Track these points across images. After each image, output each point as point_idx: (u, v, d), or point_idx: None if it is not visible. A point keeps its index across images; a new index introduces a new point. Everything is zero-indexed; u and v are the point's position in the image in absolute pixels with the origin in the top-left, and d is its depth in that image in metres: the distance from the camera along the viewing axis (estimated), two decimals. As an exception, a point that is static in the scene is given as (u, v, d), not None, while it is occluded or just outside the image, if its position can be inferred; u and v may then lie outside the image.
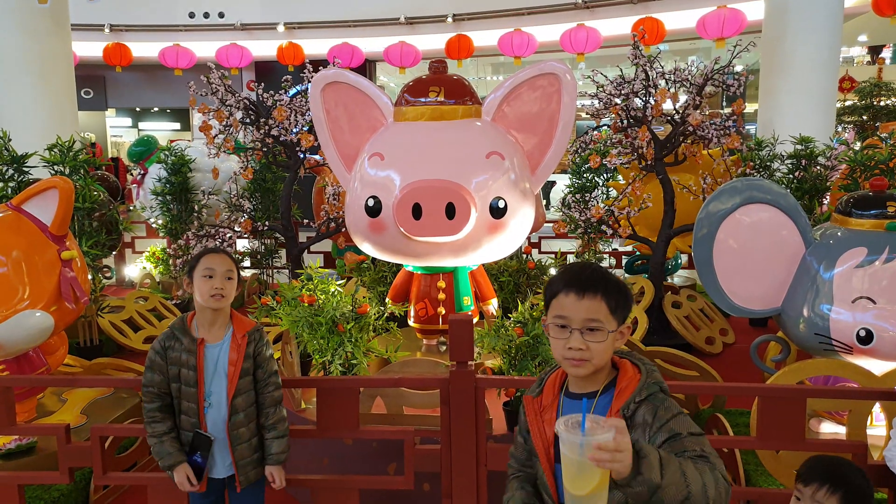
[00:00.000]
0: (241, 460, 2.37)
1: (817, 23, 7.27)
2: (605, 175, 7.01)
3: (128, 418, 3.73)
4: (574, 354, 1.52)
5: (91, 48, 12.94)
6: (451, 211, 3.18)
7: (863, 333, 3.15)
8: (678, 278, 7.44)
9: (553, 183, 12.71)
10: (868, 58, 19.00)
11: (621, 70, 5.38)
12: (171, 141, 8.81)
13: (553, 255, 4.98)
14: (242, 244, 7.63)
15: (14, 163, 4.70)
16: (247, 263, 7.63)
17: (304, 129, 5.49)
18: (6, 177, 4.67)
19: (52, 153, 4.97)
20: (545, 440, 1.59)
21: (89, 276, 4.26)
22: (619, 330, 1.55)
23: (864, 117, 15.11)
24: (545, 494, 1.62)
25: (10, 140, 4.74)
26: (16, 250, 3.43)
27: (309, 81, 4.13)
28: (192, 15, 13.10)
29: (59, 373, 4.02)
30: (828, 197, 5.92)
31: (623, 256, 7.59)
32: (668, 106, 5.33)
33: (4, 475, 2.91)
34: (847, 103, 15.29)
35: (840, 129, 12.54)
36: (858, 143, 6.45)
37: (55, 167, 4.98)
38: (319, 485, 2.84)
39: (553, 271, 4.63)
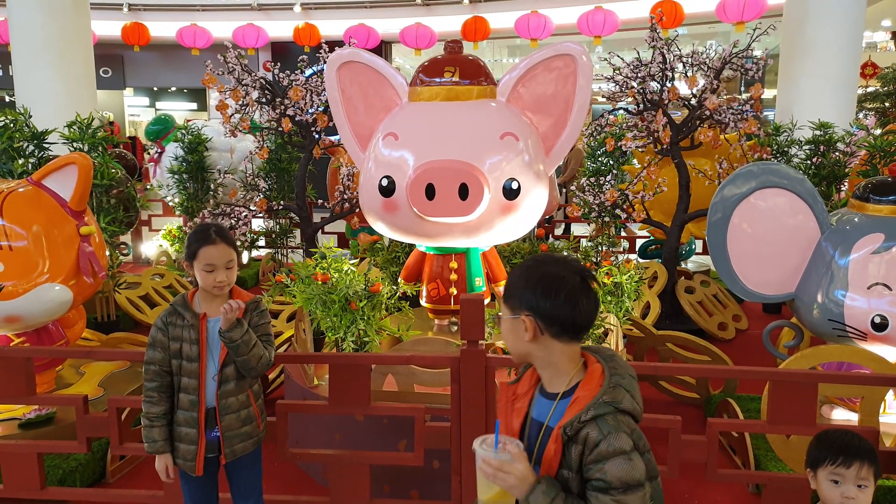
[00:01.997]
0: (228, 431, 2.33)
1: (840, 6, 7.12)
2: (620, 159, 6.96)
3: (144, 392, 3.80)
4: None
5: (109, 27, 12.98)
6: (464, 192, 3.18)
7: (878, 320, 3.14)
8: (692, 264, 7.41)
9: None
10: (892, 43, 18.60)
11: (638, 53, 5.32)
12: (188, 120, 8.86)
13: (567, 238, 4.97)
14: (257, 223, 7.68)
15: (34, 139, 4.75)
16: (262, 242, 7.69)
17: (320, 109, 5.49)
18: (27, 153, 4.73)
19: (72, 130, 5.03)
20: (511, 430, 1.55)
21: (107, 253, 4.32)
22: (517, 317, 1.49)
23: (887, 104, 14.80)
24: None
25: (30, 117, 4.79)
26: (36, 224, 3.49)
27: (324, 62, 4.13)
28: (209, -6, 13.08)
29: (78, 346, 4.09)
30: (846, 183, 5.85)
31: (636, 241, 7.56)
32: (684, 90, 5.27)
33: (25, 443, 2.99)
34: (869, 89, 14.97)
35: (861, 115, 12.29)
36: (879, 130, 6.31)
37: (74, 144, 5.04)
38: (331, 460, 2.89)
39: (566, 255, 4.62)
